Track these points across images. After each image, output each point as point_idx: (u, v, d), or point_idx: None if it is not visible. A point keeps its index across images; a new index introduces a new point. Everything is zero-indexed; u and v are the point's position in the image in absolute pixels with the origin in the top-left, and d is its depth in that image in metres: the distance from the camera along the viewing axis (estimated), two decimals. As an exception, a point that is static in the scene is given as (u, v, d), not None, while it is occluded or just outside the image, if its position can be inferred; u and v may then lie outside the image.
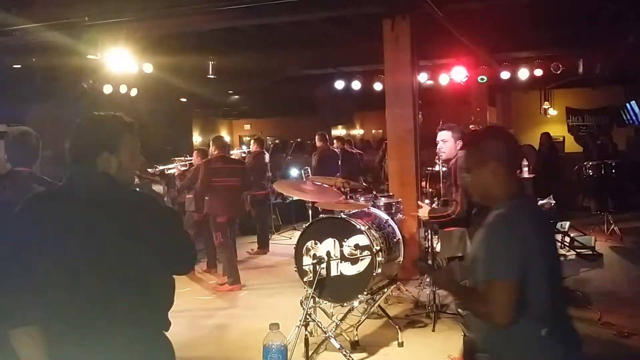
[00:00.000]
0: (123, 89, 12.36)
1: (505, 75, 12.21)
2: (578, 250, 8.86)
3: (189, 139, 19.02)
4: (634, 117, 16.77)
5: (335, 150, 11.86)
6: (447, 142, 5.63)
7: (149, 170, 10.30)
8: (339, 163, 11.24)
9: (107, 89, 11.97)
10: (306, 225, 5.78)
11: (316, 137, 11.44)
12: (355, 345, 5.51)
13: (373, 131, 22.48)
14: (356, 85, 13.41)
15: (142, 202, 2.47)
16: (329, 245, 5.37)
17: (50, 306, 2.24)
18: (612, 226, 9.98)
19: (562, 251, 8.95)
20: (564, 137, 18.54)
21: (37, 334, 2.23)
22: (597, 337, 5.62)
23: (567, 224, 9.32)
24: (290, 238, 11.25)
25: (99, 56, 10.12)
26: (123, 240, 2.29)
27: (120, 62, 10.32)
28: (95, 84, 11.77)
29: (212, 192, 8.09)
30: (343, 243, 5.36)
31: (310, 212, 6.42)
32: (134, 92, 12.72)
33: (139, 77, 11.89)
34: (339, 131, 21.56)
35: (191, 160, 9.29)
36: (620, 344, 5.43)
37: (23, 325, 2.22)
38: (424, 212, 5.76)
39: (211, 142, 8.65)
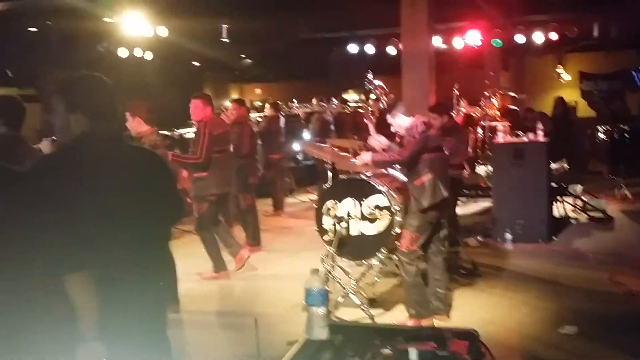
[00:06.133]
0: (138, 53, 12.41)
1: (520, 38, 12.16)
2: (590, 214, 8.99)
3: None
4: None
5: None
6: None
7: (167, 133, 10.44)
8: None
9: (123, 53, 12.03)
10: (327, 185, 5.91)
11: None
12: (372, 302, 5.68)
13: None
14: (369, 49, 13.39)
15: (147, 158, 2.73)
16: (348, 205, 5.49)
17: (95, 254, 2.41)
18: (624, 190, 10.05)
19: (574, 214, 9.10)
20: (576, 102, 18.49)
21: (87, 280, 2.40)
22: (607, 295, 5.78)
23: (579, 187, 9.44)
24: (305, 201, 11.38)
25: (114, 19, 10.17)
26: (139, 193, 2.53)
27: (135, 26, 10.38)
28: (110, 48, 11.82)
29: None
30: (362, 203, 5.48)
31: (330, 173, 6.51)
32: (148, 55, 12.77)
33: (153, 41, 11.94)
34: (350, 95, 21.47)
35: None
36: (629, 302, 5.58)
37: (74, 272, 2.39)
38: None
39: (234, 102, 8.62)
